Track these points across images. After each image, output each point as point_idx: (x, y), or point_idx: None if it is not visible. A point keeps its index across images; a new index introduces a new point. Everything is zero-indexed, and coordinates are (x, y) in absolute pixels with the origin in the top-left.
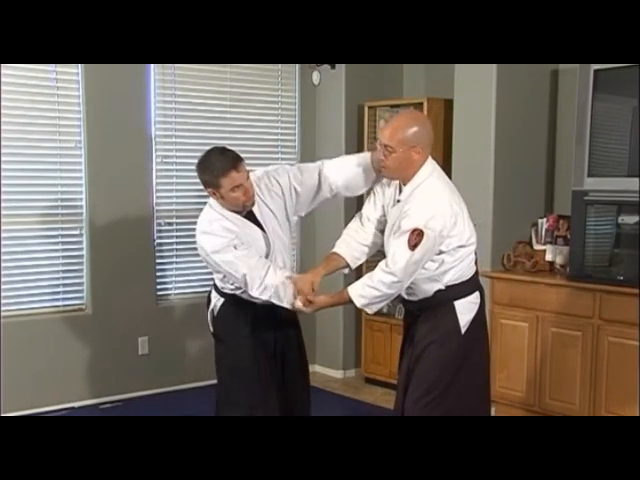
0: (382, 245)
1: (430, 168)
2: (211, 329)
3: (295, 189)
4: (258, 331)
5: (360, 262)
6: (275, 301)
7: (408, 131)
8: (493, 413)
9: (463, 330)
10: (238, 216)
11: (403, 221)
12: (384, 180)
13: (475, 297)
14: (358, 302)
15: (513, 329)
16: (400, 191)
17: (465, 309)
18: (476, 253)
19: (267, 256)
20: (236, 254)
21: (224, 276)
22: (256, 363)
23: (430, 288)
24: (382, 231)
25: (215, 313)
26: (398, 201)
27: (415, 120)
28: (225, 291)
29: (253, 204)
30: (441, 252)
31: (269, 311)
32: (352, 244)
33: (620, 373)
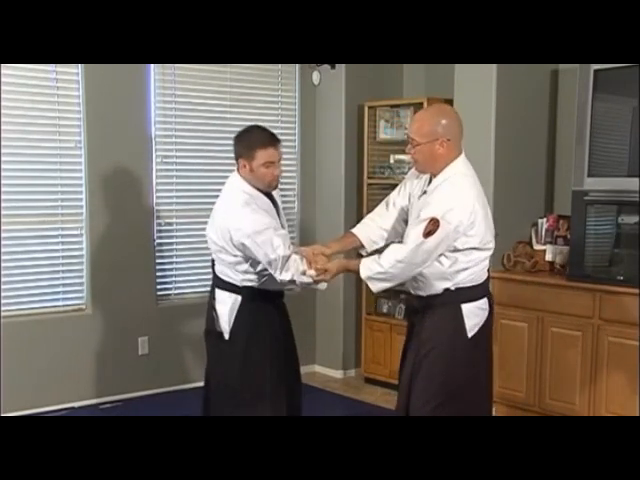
0: (402, 235)
1: (461, 165)
2: (222, 329)
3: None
4: (275, 325)
5: (377, 246)
6: (298, 278)
7: (431, 124)
8: (493, 413)
9: (470, 334)
10: (263, 196)
11: (423, 210)
12: (409, 174)
13: (483, 303)
14: (363, 273)
15: (513, 329)
16: (429, 183)
17: (472, 313)
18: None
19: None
20: (278, 233)
21: (250, 264)
22: (277, 358)
23: (440, 286)
24: (405, 220)
25: (235, 312)
26: (425, 192)
27: (440, 113)
28: (245, 284)
29: (277, 187)
30: (456, 250)
31: (280, 301)
32: (371, 226)
33: (620, 373)
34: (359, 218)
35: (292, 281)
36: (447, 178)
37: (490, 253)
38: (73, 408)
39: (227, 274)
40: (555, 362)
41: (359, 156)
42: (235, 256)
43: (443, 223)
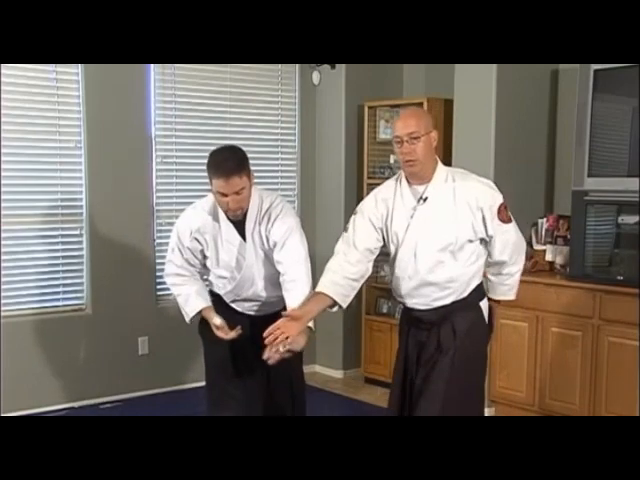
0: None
1: (446, 168)
2: None
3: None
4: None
5: (349, 300)
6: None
7: (425, 117)
8: (493, 413)
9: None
10: (224, 217)
11: (477, 202)
12: (365, 206)
13: (486, 301)
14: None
15: (513, 329)
16: (418, 197)
17: (486, 310)
18: None
19: (239, 269)
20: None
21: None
22: (226, 360)
23: (473, 284)
24: (373, 259)
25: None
26: (425, 199)
27: (422, 110)
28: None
29: (240, 217)
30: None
31: (242, 308)
32: (340, 282)
33: (620, 373)
34: None
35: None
36: (448, 172)
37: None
38: (73, 408)
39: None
40: (555, 362)
41: (359, 156)
42: None
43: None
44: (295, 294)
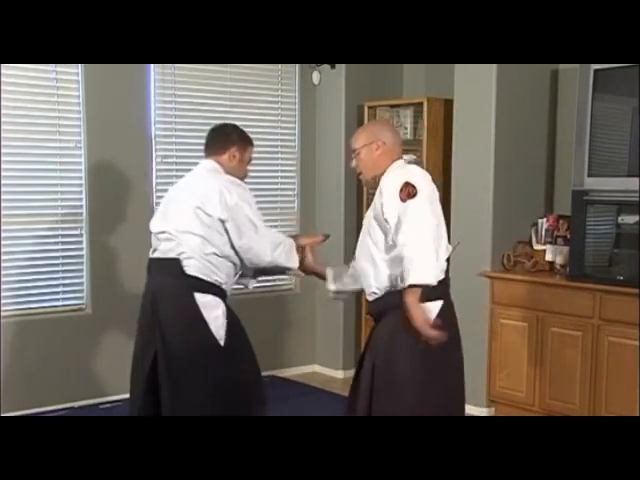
0: None
1: (398, 165)
2: None
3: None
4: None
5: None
6: None
7: (364, 132)
8: (493, 413)
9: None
10: None
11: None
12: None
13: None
14: (414, 280)
15: (513, 329)
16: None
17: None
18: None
19: None
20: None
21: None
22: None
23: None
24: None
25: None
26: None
27: (370, 124)
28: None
29: None
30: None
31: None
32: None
33: (620, 373)
34: (359, 219)
35: None
36: (388, 174)
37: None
38: (73, 408)
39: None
40: (555, 362)
41: None
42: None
43: (418, 186)
44: None
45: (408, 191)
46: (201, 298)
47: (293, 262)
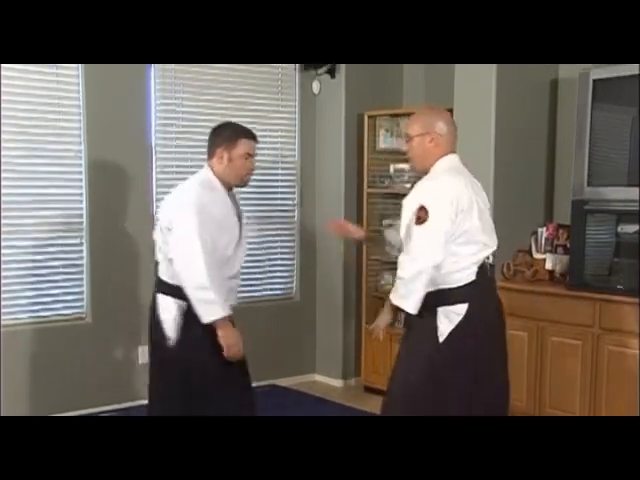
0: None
1: (447, 164)
2: None
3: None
4: None
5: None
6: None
7: (419, 119)
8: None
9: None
10: (225, 195)
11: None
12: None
13: (461, 308)
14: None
15: (513, 338)
16: None
17: (446, 318)
18: (488, 265)
19: (239, 243)
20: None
21: None
22: None
23: None
24: None
25: None
26: None
27: (432, 112)
28: None
29: (246, 184)
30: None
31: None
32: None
33: (620, 382)
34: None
35: None
36: (429, 177)
37: (478, 248)
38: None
39: None
40: (555, 371)
41: (359, 165)
42: None
43: (431, 211)
44: None
45: (419, 215)
46: (161, 299)
47: (207, 316)
